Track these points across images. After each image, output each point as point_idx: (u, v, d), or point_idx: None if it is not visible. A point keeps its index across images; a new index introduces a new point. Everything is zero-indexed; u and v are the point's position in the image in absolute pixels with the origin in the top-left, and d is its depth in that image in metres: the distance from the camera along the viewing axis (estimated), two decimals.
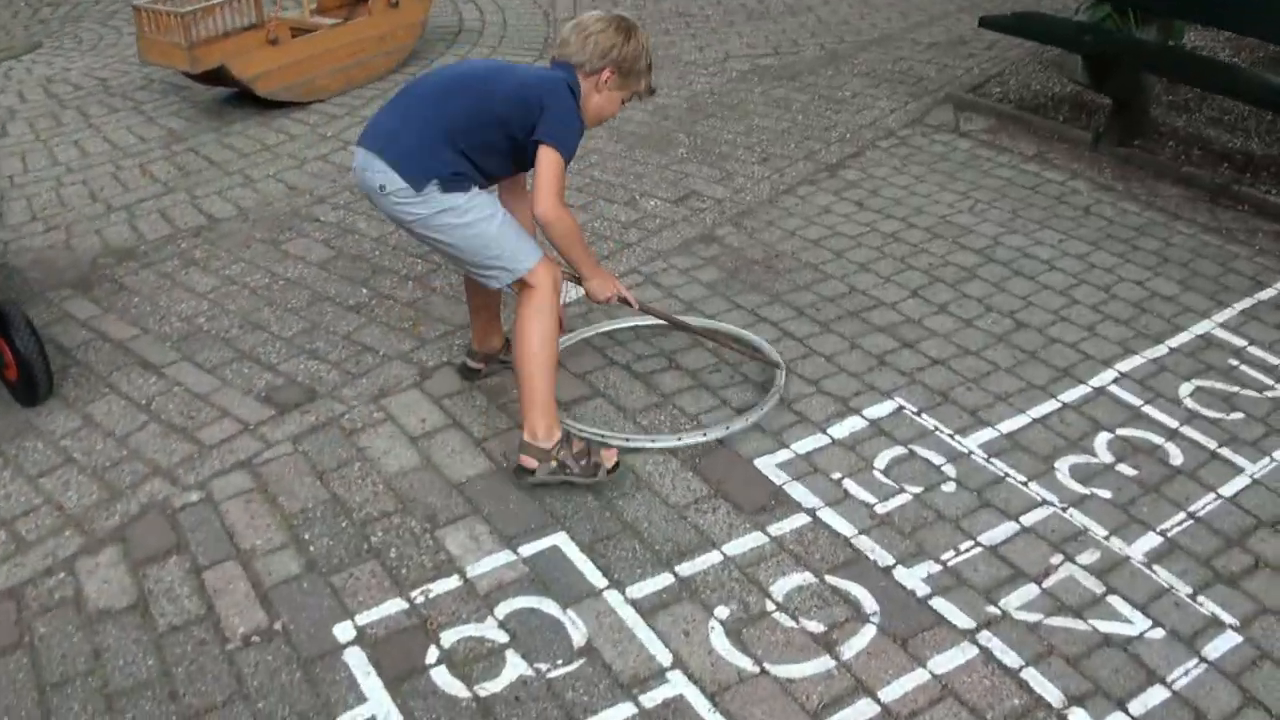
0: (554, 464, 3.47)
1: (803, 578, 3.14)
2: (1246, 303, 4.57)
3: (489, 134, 3.39)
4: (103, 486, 3.63)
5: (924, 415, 3.84)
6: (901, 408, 3.88)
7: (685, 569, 3.18)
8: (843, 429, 3.77)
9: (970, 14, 8.28)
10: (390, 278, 4.81)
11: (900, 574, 3.15)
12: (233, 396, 4.04)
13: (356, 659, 2.95)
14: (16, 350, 3.92)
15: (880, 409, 3.88)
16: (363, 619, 3.06)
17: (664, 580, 3.15)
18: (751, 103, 6.73)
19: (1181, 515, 3.39)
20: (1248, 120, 6.24)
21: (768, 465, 3.59)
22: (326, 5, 7.54)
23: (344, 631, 3.03)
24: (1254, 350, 4.23)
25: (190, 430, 3.87)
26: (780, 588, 3.11)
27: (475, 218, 3.36)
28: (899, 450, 3.67)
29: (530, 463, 3.47)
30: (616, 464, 3.51)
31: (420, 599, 3.11)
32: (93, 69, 7.85)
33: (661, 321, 4.13)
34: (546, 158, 3.30)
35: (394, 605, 3.10)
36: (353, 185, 5.71)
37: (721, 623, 3.00)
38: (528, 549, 3.27)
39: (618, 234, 5.11)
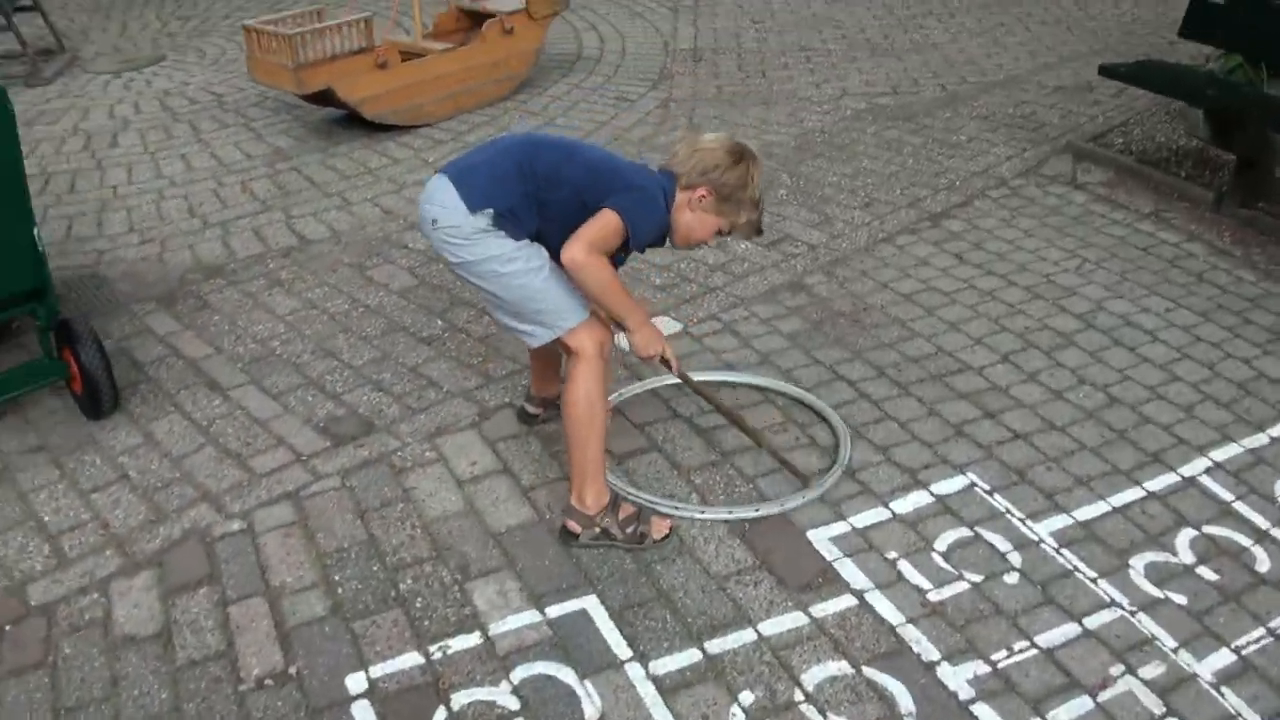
0: (598, 530, 3.36)
1: (839, 667, 2.95)
2: None
3: (562, 192, 3.22)
4: (150, 508, 3.61)
5: (996, 495, 3.61)
6: (973, 485, 3.66)
7: (715, 646, 3.02)
8: (906, 504, 3.57)
9: (1103, 57, 7.93)
10: (467, 310, 4.74)
11: (944, 672, 2.94)
12: (292, 425, 4.00)
13: (364, 714, 2.85)
14: (81, 363, 3.95)
15: (950, 485, 3.66)
16: (377, 671, 2.97)
17: (691, 656, 2.99)
18: (862, 144, 6.53)
19: (1260, 631, 3.09)
20: None
21: (820, 538, 3.41)
22: (442, 30, 7.55)
23: (356, 683, 2.94)
24: None
25: (244, 457, 3.84)
26: (813, 676, 2.92)
27: (520, 268, 3.21)
28: (964, 532, 3.45)
29: (575, 527, 3.37)
30: (667, 535, 3.39)
31: (438, 654, 3.01)
32: (210, 84, 8.00)
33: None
34: (604, 216, 3.13)
35: (410, 659, 3.00)
36: None
37: (745, 710, 2.83)
38: (555, 610, 3.14)
39: (702, 277, 4.97)
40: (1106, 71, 6.01)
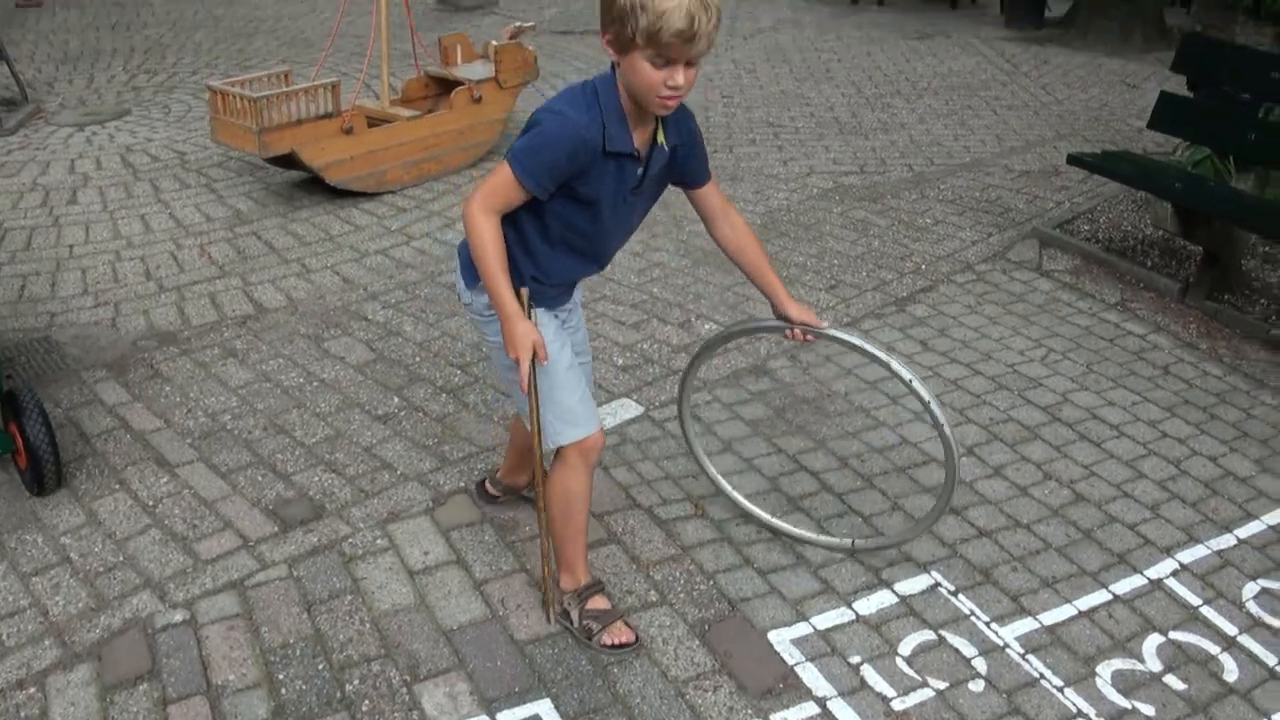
0: (561, 609, 3.33)
1: None
2: None
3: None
4: (91, 594, 3.48)
5: (961, 596, 3.54)
6: (937, 585, 3.59)
7: None
8: (870, 605, 3.49)
9: (1068, 142, 8.02)
10: (425, 388, 4.65)
11: None
12: (239, 507, 3.89)
13: None
14: (26, 438, 3.83)
15: (914, 584, 3.59)
16: None
17: None
18: (828, 224, 6.52)
19: None
20: None
21: (782, 640, 3.32)
22: (411, 96, 7.52)
23: None
24: None
25: (190, 541, 3.72)
26: None
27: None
28: (928, 635, 3.37)
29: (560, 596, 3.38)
30: (622, 644, 3.23)
31: None
32: (174, 141, 7.91)
33: None
34: (498, 167, 2.82)
35: None
36: (408, 282, 5.61)
37: None
38: (506, 716, 3.02)
39: (666, 358, 4.90)
40: (1075, 160, 6.04)
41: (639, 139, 2.84)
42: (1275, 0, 11.14)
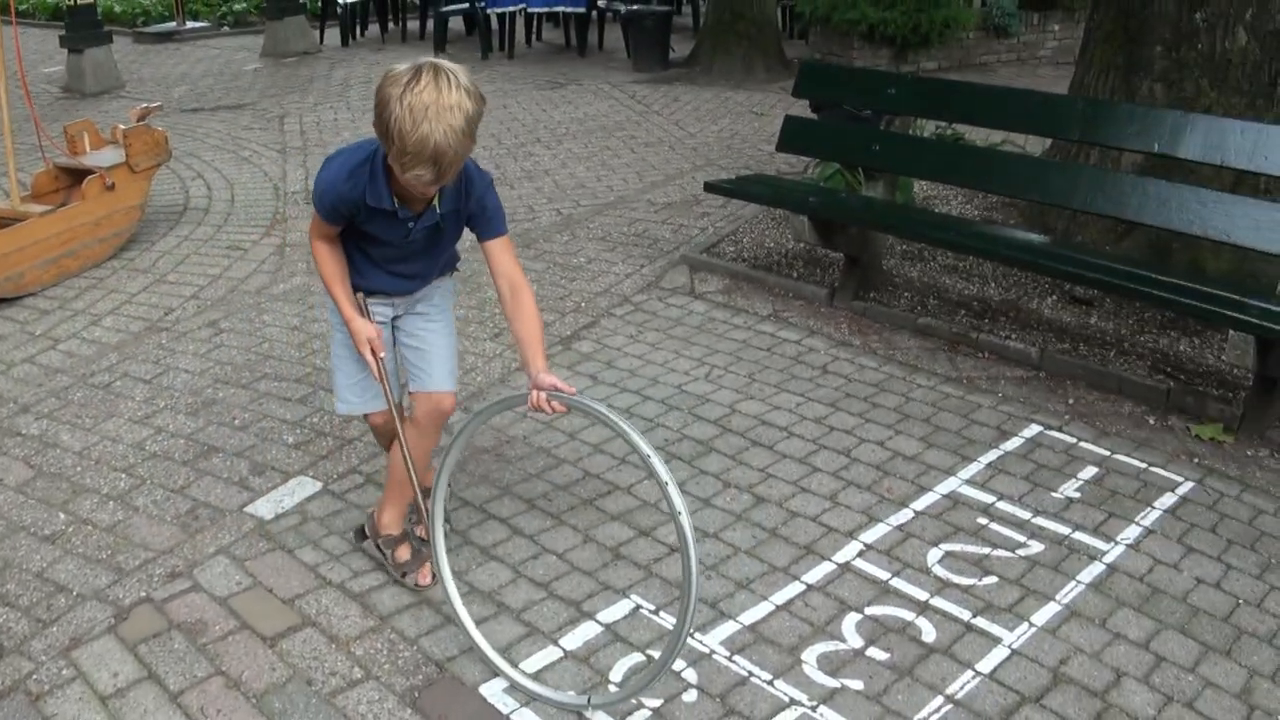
0: (375, 548, 3.82)
1: None
2: (992, 455, 4.53)
3: None
4: None
5: (662, 613, 3.59)
6: (638, 607, 3.62)
7: None
8: (576, 639, 3.48)
9: (705, 172, 8.38)
10: (90, 498, 4.32)
11: None
12: None
13: None
14: None
15: (616, 611, 3.61)
16: None
17: None
18: (485, 274, 6.39)
19: (939, 700, 3.21)
20: (982, 265, 6.37)
21: (494, 692, 3.26)
22: (41, 190, 7.07)
23: None
24: (1003, 506, 4.17)
25: None
26: None
27: (335, 345, 3.69)
28: (637, 658, 3.39)
29: (367, 532, 3.86)
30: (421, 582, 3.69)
31: None
32: None
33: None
34: None
35: None
36: (59, 389, 5.25)
37: None
38: None
39: (337, 429, 4.77)
40: (712, 188, 6.31)
41: (410, 200, 3.22)
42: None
